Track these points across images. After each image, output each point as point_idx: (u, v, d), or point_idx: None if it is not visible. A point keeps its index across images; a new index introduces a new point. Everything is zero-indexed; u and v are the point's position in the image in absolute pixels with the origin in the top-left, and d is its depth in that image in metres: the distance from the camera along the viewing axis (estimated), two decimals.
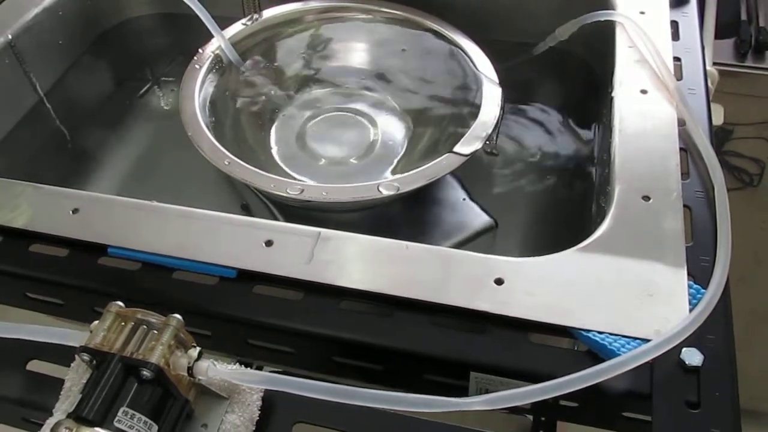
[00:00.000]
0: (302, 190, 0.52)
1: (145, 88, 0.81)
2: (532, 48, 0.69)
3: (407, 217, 0.59)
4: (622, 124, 0.51)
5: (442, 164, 0.53)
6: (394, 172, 0.63)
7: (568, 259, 0.42)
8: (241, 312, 0.43)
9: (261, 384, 0.34)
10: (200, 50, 0.65)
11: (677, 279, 0.41)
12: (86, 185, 0.72)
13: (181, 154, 0.61)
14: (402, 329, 0.40)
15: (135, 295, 0.44)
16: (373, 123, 0.67)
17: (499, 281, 0.41)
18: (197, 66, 0.63)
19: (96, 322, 0.34)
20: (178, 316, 0.34)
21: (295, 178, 0.63)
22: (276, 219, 0.59)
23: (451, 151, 0.54)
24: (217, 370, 0.33)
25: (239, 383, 0.34)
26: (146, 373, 0.32)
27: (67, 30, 0.74)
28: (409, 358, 0.40)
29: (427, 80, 0.67)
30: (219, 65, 0.65)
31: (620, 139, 0.50)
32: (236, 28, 0.67)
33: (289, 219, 0.58)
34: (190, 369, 0.33)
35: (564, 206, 0.64)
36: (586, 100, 0.68)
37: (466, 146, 0.54)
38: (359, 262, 0.44)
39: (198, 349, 0.34)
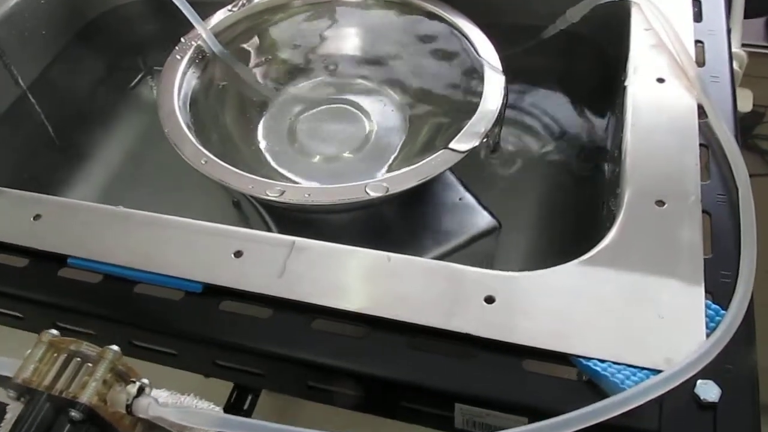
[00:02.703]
0: (283, 192, 0.48)
1: (137, 78, 0.78)
2: (540, 32, 0.63)
3: (403, 216, 0.55)
4: (635, 117, 0.46)
5: (436, 162, 0.48)
6: (390, 168, 0.58)
7: (569, 273, 0.38)
8: (207, 330, 0.39)
9: (211, 426, 0.30)
10: (182, 39, 0.61)
11: (693, 298, 0.36)
12: (74, 183, 0.69)
13: (174, 148, 0.57)
14: (379, 353, 0.36)
15: (95, 310, 0.41)
16: (368, 115, 0.62)
17: (489, 299, 0.37)
18: (178, 56, 0.59)
19: (28, 351, 0.31)
20: (115, 347, 0.30)
21: (284, 176, 0.59)
22: (263, 218, 0.55)
23: (446, 147, 0.49)
24: (159, 410, 0.29)
25: (186, 425, 0.31)
26: (75, 414, 0.28)
27: (50, 19, 0.71)
28: (387, 386, 0.36)
29: (425, 68, 0.62)
30: (202, 55, 0.61)
31: (632, 135, 0.44)
32: (222, 15, 0.63)
33: (276, 218, 0.54)
34: (128, 407, 0.29)
35: (572, 207, 0.59)
36: (597, 90, 0.63)
37: (464, 143, 0.49)
38: (335, 275, 0.39)
39: (138, 384, 0.30)
